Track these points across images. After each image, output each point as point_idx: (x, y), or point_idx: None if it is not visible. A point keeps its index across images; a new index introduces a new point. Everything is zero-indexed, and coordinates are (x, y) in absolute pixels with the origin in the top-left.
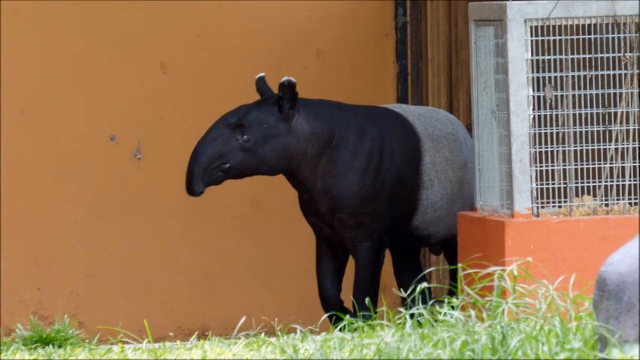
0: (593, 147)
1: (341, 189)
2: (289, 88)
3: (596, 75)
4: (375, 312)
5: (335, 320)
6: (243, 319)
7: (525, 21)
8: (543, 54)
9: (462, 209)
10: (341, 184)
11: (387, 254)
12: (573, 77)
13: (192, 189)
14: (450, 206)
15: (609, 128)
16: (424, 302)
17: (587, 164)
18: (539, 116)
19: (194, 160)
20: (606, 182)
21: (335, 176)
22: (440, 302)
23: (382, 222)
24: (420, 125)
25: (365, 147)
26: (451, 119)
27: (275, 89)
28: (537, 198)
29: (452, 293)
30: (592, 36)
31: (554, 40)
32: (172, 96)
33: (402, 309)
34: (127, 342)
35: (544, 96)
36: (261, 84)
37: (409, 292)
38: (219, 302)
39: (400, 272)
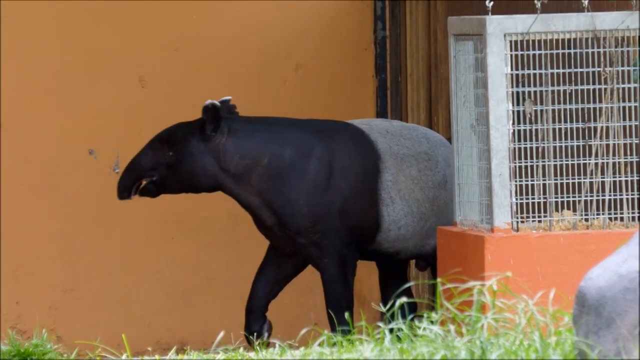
0: (573, 162)
1: (283, 205)
2: (212, 111)
3: (576, 90)
4: (353, 327)
5: (249, 335)
6: (222, 333)
7: (504, 35)
8: (522, 69)
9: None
10: (281, 200)
11: (374, 267)
12: (553, 91)
13: (118, 195)
14: (418, 224)
15: (589, 143)
16: (404, 316)
17: (567, 179)
18: (519, 131)
19: (127, 168)
20: (586, 197)
21: (273, 193)
22: (420, 317)
23: (338, 238)
24: (383, 142)
25: (307, 165)
26: (431, 138)
27: (255, 104)
28: (516, 213)
29: (432, 308)
30: (572, 51)
31: (534, 55)
32: (151, 110)
33: (381, 324)
34: (105, 357)
35: (523, 111)
36: (224, 107)
37: (388, 306)
38: (197, 317)
39: (384, 286)
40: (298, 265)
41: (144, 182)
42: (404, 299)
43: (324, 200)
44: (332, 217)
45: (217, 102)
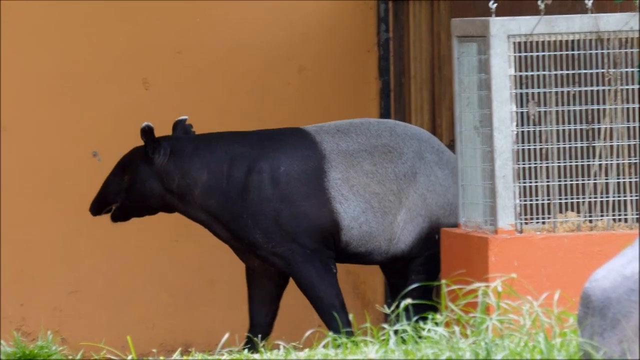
0: (577, 163)
1: (229, 221)
2: (147, 133)
3: (580, 92)
4: (350, 326)
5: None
6: (226, 335)
7: (508, 37)
8: (526, 70)
9: (411, 222)
10: (227, 215)
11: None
12: (556, 93)
13: (91, 212)
14: (384, 219)
15: (593, 144)
16: (409, 318)
17: (570, 180)
18: (523, 132)
19: (96, 196)
20: (590, 198)
21: (218, 209)
22: (425, 319)
23: (295, 243)
24: (330, 142)
25: (247, 178)
26: (399, 131)
27: (259, 107)
28: (520, 214)
29: (436, 309)
30: (576, 52)
31: (537, 56)
32: (154, 112)
33: (386, 325)
34: (110, 359)
35: (527, 112)
36: (180, 128)
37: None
38: (201, 318)
39: (390, 289)
40: (275, 278)
41: (113, 207)
42: (408, 301)
43: (269, 210)
44: (282, 225)
45: (150, 124)
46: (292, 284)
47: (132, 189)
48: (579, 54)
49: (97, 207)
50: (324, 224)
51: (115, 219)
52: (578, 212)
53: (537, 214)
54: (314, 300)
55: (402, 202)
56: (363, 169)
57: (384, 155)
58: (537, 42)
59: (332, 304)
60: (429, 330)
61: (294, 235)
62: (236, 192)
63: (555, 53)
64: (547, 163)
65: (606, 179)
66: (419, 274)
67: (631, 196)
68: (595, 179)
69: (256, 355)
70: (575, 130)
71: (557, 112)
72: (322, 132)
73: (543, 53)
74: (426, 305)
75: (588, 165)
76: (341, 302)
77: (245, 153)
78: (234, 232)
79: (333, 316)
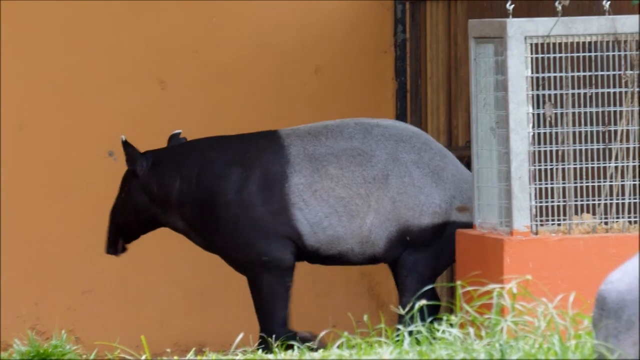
0: (593, 165)
1: (200, 227)
2: (124, 146)
3: (596, 93)
4: (288, 337)
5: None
6: (241, 335)
7: (525, 38)
8: (543, 72)
9: (381, 225)
10: (197, 220)
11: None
12: (573, 94)
13: (108, 251)
14: (351, 223)
15: (609, 146)
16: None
17: (586, 182)
18: (539, 134)
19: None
20: (606, 200)
21: (191, 215)
22: (439, 320)
23: (254, 249)
24: (298, 146)
25: (213, 185)
26: (374, 133)
27: (275, 107)
28: (536, 216)
29: (451, 310)
30: (593, 54)
31: (554, 58)
32: (171, 112)
33: (400, 326)
34: (124, 358)
35: (543, 114)
36: (173, 140)
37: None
38: (215, 318)
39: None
40: None
41: (126, 247)
42: (423, 302)
43: (230, 216)
44: (239, 231)
45: (123, 137)
46: (307, 285)
47: (126, 205)
48: (596, 56)
49: (111, 240)
50: (281, 231)
51: (127, 240)
52: (594, 214)
53: (553, 215)
54: (258, 309)
55: (371, 206)
56: (328, 173)
57: (352, 158)
58: (554, 44)
59: (273, 319)
60: (443, 332)
61: (251, 242)
62: (205, 197)
63: (573, 54)
64: (563, 165)
65: (622, 181)
66: (408, 276)
67: None
68: (611, 181)
69: (270, 356)
70: (591, 132)
71: (573, 113)
72: (293, 135)
73: (560, 54)
74: (430, 306)
75: (604, 167)
76: (283, 318)
77: (214, 158)
78: (205, 239)
79: (268, 329)
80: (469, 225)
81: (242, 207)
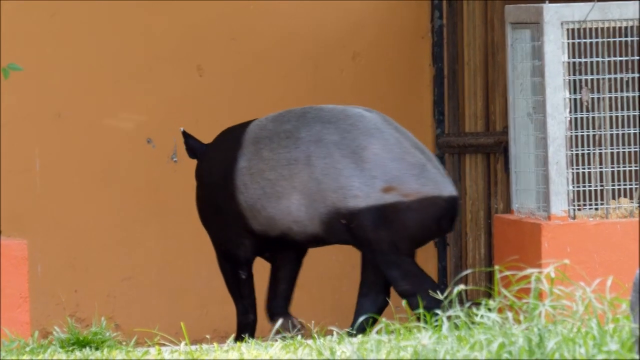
0: (630, 150)
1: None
2: (185, 138)
3: (632, 78)
4: (247, 323)
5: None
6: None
7: (561, 24)
8: (579, 57)
9: (309, 206)
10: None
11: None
12: (609, 79)
13: None
14: (280, 204)
15: None
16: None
17: (623, 167)
18: (576, 119)
19: None
20: None
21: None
22: (477, 305)
23: (215, 236)
24: (253, 130)
25: (200, 170)
26: (309, 115)
27: (312, 94)
28: (573, 200)
29: (489, 295)
30: (629, 39)
31: (591, 43)
32: (209, 99)
33: (439, 311)
34: (164, 345)
35: (580, 99)
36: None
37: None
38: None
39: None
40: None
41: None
42: (461, 286)
43: (200, 204)
44: (204, 218)
45: (181, 129)
46: (341, 271)
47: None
48: (632, 41)
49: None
50: (230, 215)
51: None
52: (631, 198)
53: (590, 200)
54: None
55: (295, 187)
56: (262, 155)
57: (281, 141)
58: (590, 29)
59: (238, 303)
60: (481, 317)
61: (211, 229)
62: (198, 183)
63: (609, 40)
64: (600, 149)
65: None
66: (375, 258)
67: None
68: None
69: (309, 341)
70: (628, 116)
71: (610, 98)
72: (257, 122)
73: (596, 39)
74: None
75: None
76: (244, 306)
77: (203, 146)
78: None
79: (240, 311)
80: (397, 206)
81: (206, 195)
